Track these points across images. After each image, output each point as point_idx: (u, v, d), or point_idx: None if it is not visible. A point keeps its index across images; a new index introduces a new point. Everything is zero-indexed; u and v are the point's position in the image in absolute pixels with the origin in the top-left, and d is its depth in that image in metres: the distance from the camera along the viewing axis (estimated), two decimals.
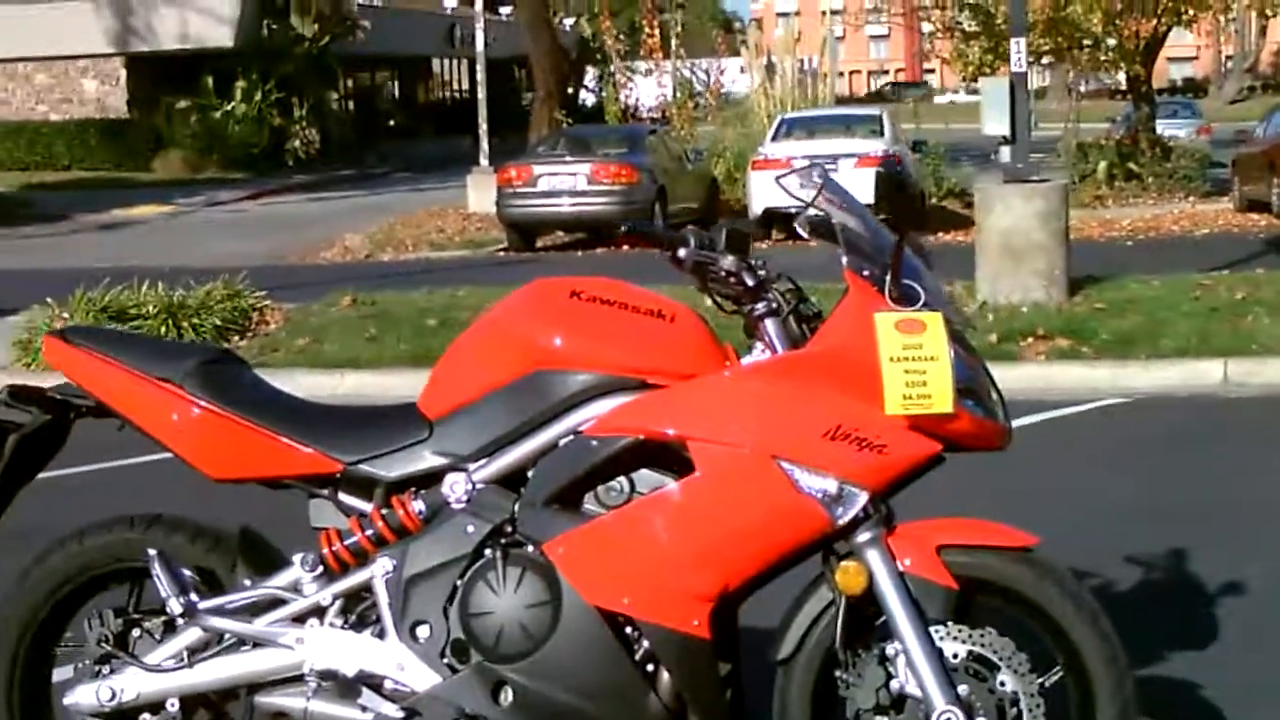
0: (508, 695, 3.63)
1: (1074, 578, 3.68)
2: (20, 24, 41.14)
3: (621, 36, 34.53)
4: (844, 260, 3.64)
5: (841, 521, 3.54)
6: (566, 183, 22.86)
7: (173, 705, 3.87)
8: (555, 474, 3.64)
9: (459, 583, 3.67)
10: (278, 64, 41.83)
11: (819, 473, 3.50)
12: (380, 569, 3.73)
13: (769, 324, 3.69)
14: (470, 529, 3.68)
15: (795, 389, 3.56)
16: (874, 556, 3.59)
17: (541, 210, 22.76)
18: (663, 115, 31.14)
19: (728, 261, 3.67)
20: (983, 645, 3.61)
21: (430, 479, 3.74)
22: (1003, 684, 3.59)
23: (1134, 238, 20.26)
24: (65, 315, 11.91)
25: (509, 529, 3.66)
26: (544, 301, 3.76)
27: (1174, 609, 5.86)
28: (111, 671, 3.88)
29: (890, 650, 3.61)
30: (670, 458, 3.59)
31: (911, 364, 3.51)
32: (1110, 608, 5.75)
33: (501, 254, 22.62)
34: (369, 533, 3.76)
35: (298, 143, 42.49)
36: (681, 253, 3.69)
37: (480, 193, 27.09)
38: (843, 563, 3.59)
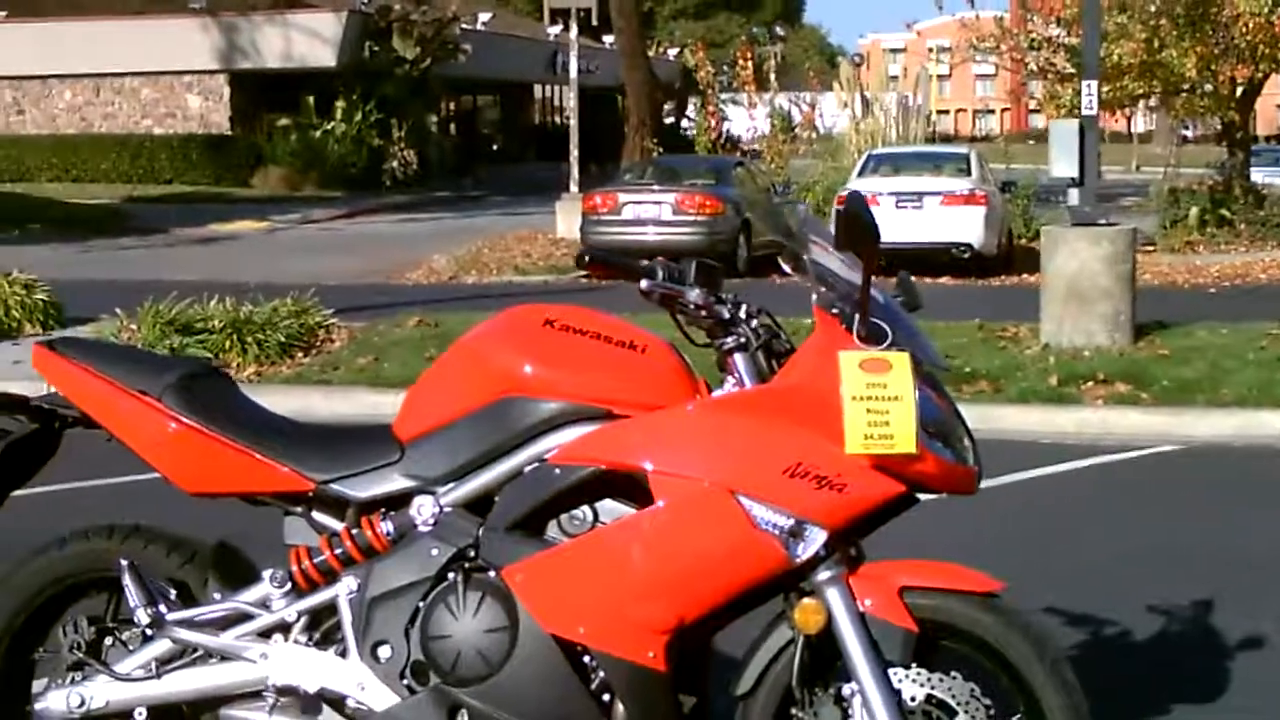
0: (464, 719, 3.63)
1: (1039, 625, 3.63)
2: (129, 39, 41.91)
3: (725, 68, 34.58)
4: (813, 297, 3.63)
5: (799, 559, 3.52)
6: (651, 212, 22.88)
7: (140, 715, 3.91)
8: (518, 501, 3.65)
9: (421, 605, 3.68)
10: (378, 85, 42.29)
11: (777, 509, 3.49)
12: (345, 588, 3.75)
13: (737, 358, 3.69)
14: (434, 552, 3.69)
15: (757, 424, 3.55)
16: (833, 595, 3.56)
17: (624, 238, 22.75)
18: (750, 148, 31.16)
19: (694, 295, 3.67)
20: (941, 689, 3.57)
21: (400, 501, 3.76)
22: None
23: (1219, 285, 20.01)
24: (133, 327, 12.08)
25: (472, 553, 3.67)
26: (516, 328, 3.78)
27: (1196, 658, 5.79)
28: (83, 679, 3.93)
29: (847, 690, 3.58)
30: (634, 488, 3.59)
31: (875, 403, 3.49)
32: (1119, 653, 5.78)
33: (584, 280, 22.66)
34: (337, 552, 3.79)
35: (395, 163, 42.88)
36: (644, 284, 3.70)
37: (568, 218, 27.16)
38: (802, 600, 3.58)
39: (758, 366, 3.68)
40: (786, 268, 3.84)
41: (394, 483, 3.76)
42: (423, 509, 3.72)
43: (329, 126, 42.04)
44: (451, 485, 3.72)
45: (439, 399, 3.79)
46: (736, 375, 3.69)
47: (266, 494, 3.89)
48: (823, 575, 3.57)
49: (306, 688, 3.75)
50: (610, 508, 3.65)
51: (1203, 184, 26.84)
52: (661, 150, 31.20)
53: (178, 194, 38.64)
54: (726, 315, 3.69)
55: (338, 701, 3.74)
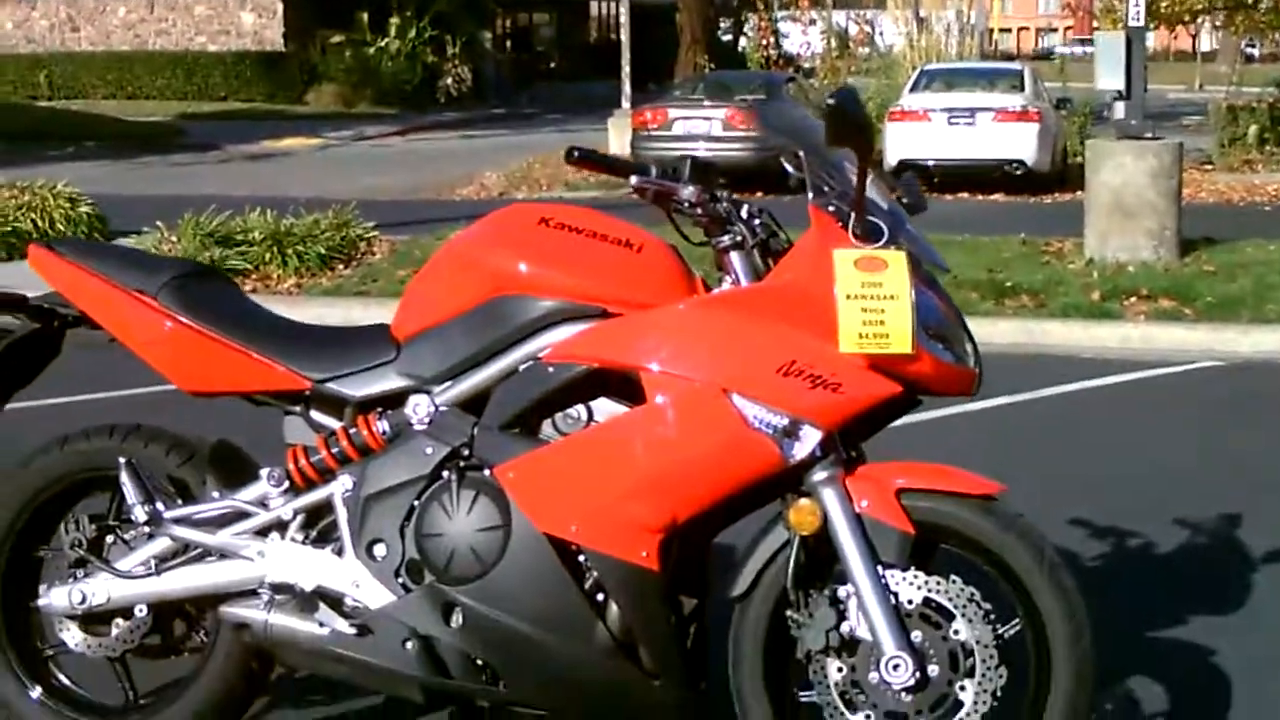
0: (458, 617, 3.62)
1: (1037, 530, 3.58)
2: None
3: None
4: (809, 195, 3.57)
5: (794, 459, 3.48)
6: (701, 127, 22.71)
7: (141, 611, 3.93)
8: (512, 399, 3.63)
9: (416, 503, 3.67)
10: (433, 1, 42.08)
11: (770, 408, 3.44)
12: (340, 486, 3.74)
13: (734, 256, 3.64)
14: (429, 450, 3.67)
15: (750, 323, 3.50)
16: (829, 496, 3.52)
17: (674, 153, 22.62)
18: (805, 66, 30.90)
19: (687, 192, 3.62)
20: (938, 592, 3.53)
21: (396, 400, 3.74)
22: (957, 633, 3.52)
23: (1276, 203, 19.74)
24: (174, 239, 12.10)
25: (466, 452, 3.65)
26: (510, 227, 3.74)
27: (1218, 572, 5.74)
28: (85, 576, 3.94)
29: (842, 592, 3.55)
30: (629, 387, 3.55)
31: (870, 302, 3.44)
32: (1140, 564, 5.73)
33: (634, 196, 22.55)
34: (334, 450, 3.77)
35: (449, 80, 42.75)
36: (634, 180, 3.65)
37: (620, 135, 26.98)
38: (798, 501, 3.54)
39: (754, 265, 3.63)
40: (789, 168, 3.77)
41: (390, 381, 3.75)
42: (418, 408, 3.70)
43: (383, 43, 41.92)
44: (447, 384, 3.70)
45: (434, 298, 3.76)
46: (733, 274, 3.64)
47: (264, 393, 3.88)
48: (818, 476, 3.53)
49: (303, 585, 3.75)
50: (605, 407, 3.62)
51: (1262, 102, 26.42)
52: (713, 67, 30.97)
53: (231, 111, 38.66)
54: (721, 213, 3.64)
55: (334, 599, 3.73)
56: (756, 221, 3.68)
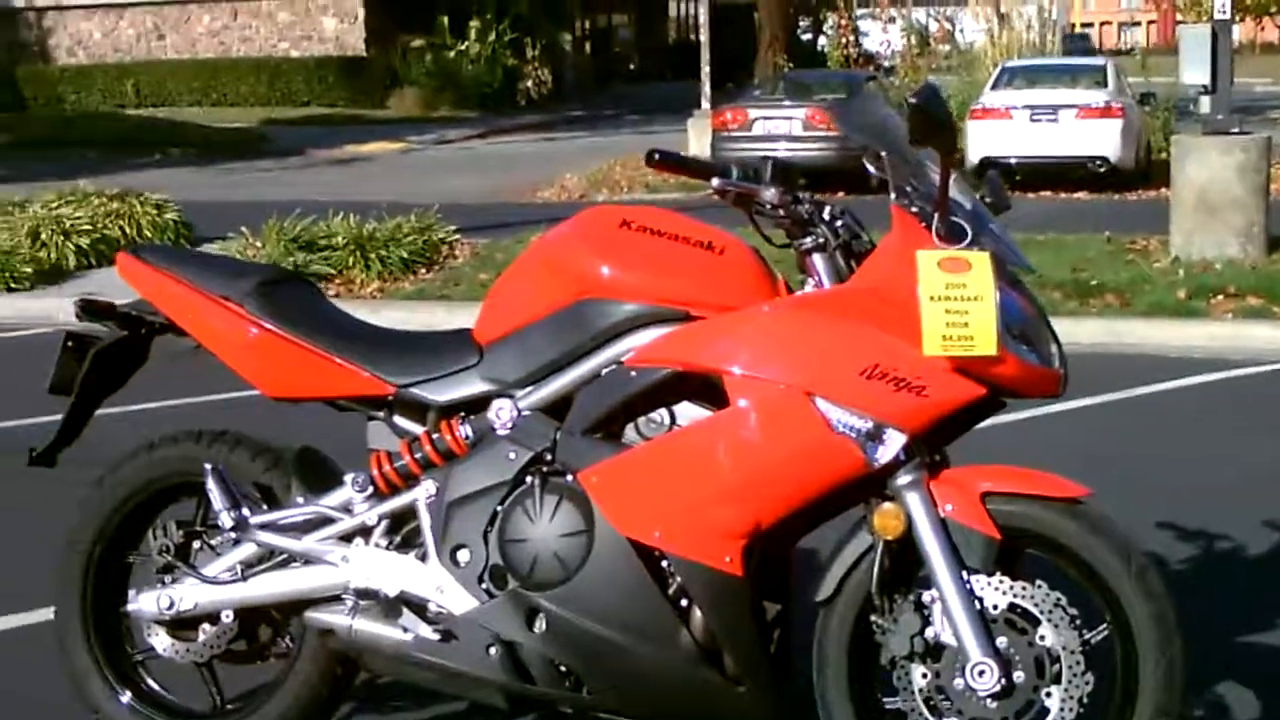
0: (541, 623, 3.62)
1: (1124, 532, 3.54)
2: None
3: None
4: (892, 196, 3.54)
5: (878, 463, 3.45)
6: (781, 127, 22.65)
7: (228, 617, 3.96)
8: (594, 404, 3.62)
9: (499, 509, 3.67)
10: (512, 4, 42.22)
11: (854, 411, 3.42)
12: (424, 492, 3.75)
13: (816, 258, 3.62)
14: (512, 455, 3.67)
15: (833, 325, 3.48)
16: (913, 500, 3.50)
17: (754, 154, 22.55)
18: (885, 64, 30.77)
19: (769, 194, 3.60)
20: (1024, 598, 3.50)
21: (480, 405, 3.75)
22: (1043, 638, 3.48)
23: None
24: (258, 244, 12.19)
25: (549, 457, 3.65)
26: (593, 230, 3.73)
27: None
28: (172, 581, 3.98)
29: (927, 597, 3.52)
30: (711, 391, 3.54)
31: (953, 304, 3.41)
32: (1226, 569, 5.65)
33: (715, 198, 22.51)
34: (417, 455, 3.78)
35: (529, 83, 42.87)
36: (715, 182, 3.64)
37: (699, 135, 26.93)
38: (882, 505, 3.52)
39: (836, 267, 3.61)
40: (871, 168, 3.74)
41: (473, 386, 3.75)
42: (501, 412, 3.70)
43: (463, 46, 42.06)
44: (530, 389, 3.70)
45: (517, 302, 3.76)
46: (815, 276, 3.62)
47: (348, 399, 3.90)
48: (902, 480, 3.50)
49: (387, 591, 3.76)
50: (688, 411, 3.61)
51: None
52: (792, 66, 30.91)
53: (314, 116, 38.88)
54: (804, 215, 3.62)
55: (418, 605, 3.74)
56: (839, 223, 3.65)
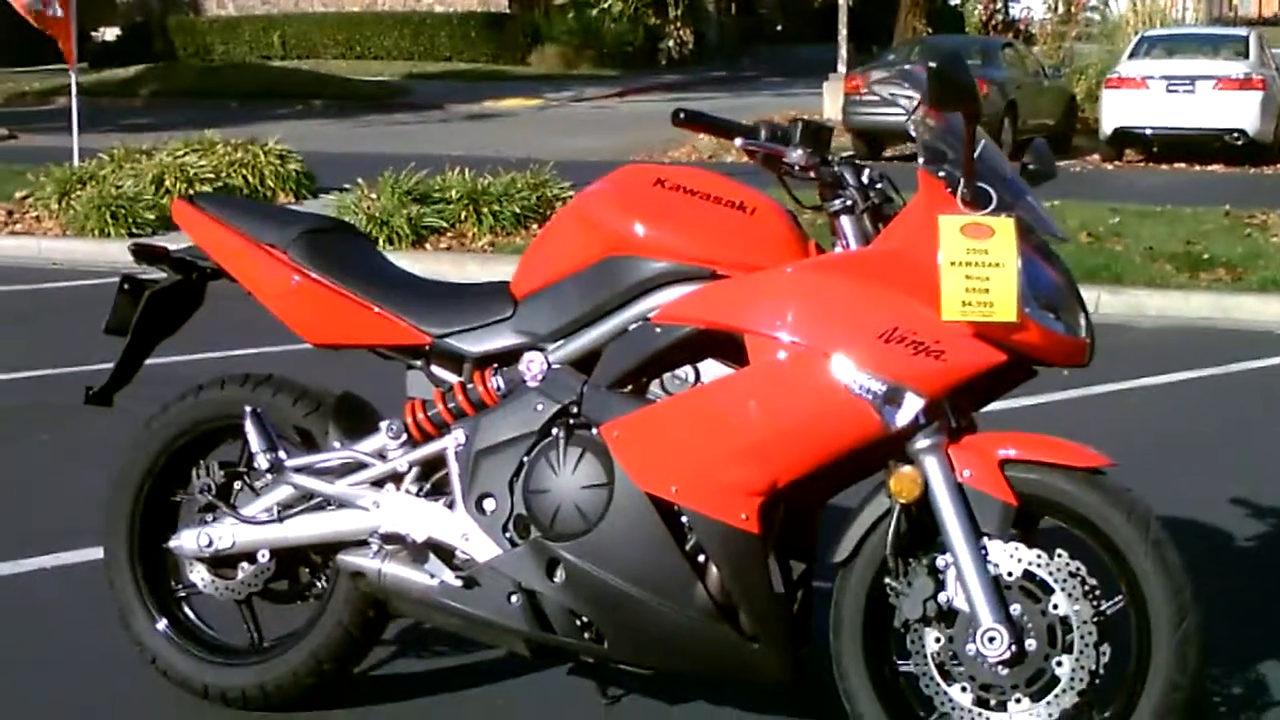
0: (561, 573, 3.67)
1: (1144, 504, 3.51)
2: None
3: None
4: (919, 160, 3.54)
5: (895, 426, 3.44)
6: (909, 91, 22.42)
7: (264, 556, 4.05)
8: (619, 359, 3.66)
9: (525, 459, 3.72)
10: None
11: (871, 374, 3.42)
12: (453, 441, 3.80)
13: (844, 221, 3.63)
14: (539, 407, 3.72)
15: (854, 287, 3.48)
16: (931, 464, 3.50)
17: (885, 119, 22.25)
18: (1027, 30, 30.37)
19: (795, 155, 3.60)
20: (1039, 566, 3.49)
21: (513, 357, 3.79)
22: (1056, 607, 3.47)
23: None
24: (373, 196, 12.32)
25: (575, 410, 3.69)
26: (626, 188, 3.76)
27: None
28: (212, 520, 4.07)
29: (941, 562, 3.52)
30: (736, 349, 3.56)
31: (975, 269, 3.39)
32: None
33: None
34: (450, 405, 3.84)
35: (671, 43, 42.84)
36: (739, 142, 3.65)
37: (835, 99, 26.75)
38: (900, 468, 3.52)
39: (863, 230, 3.61)
40: (913, 132, 3.73)
41: (506, 338, 3.80)
42: (532, 365, 3.75)
43: (606, 5, 42.08)
44: (560, 342, 3.74)
45: (551, 257, 3.80)
46: (843, 238, 3.63)
47: (386, 346, 3.96)
48: (921, 444, 3.50)
49: (415, 537, 3.82)
50: (713, 369, 3.63)
51: None
52: (930, 31, 30.60)
53: (456, 71, 39.15)
54: (831, 177, 3.62)
55: (445, 551, 3.80)
56: (877, 186, 3.65)
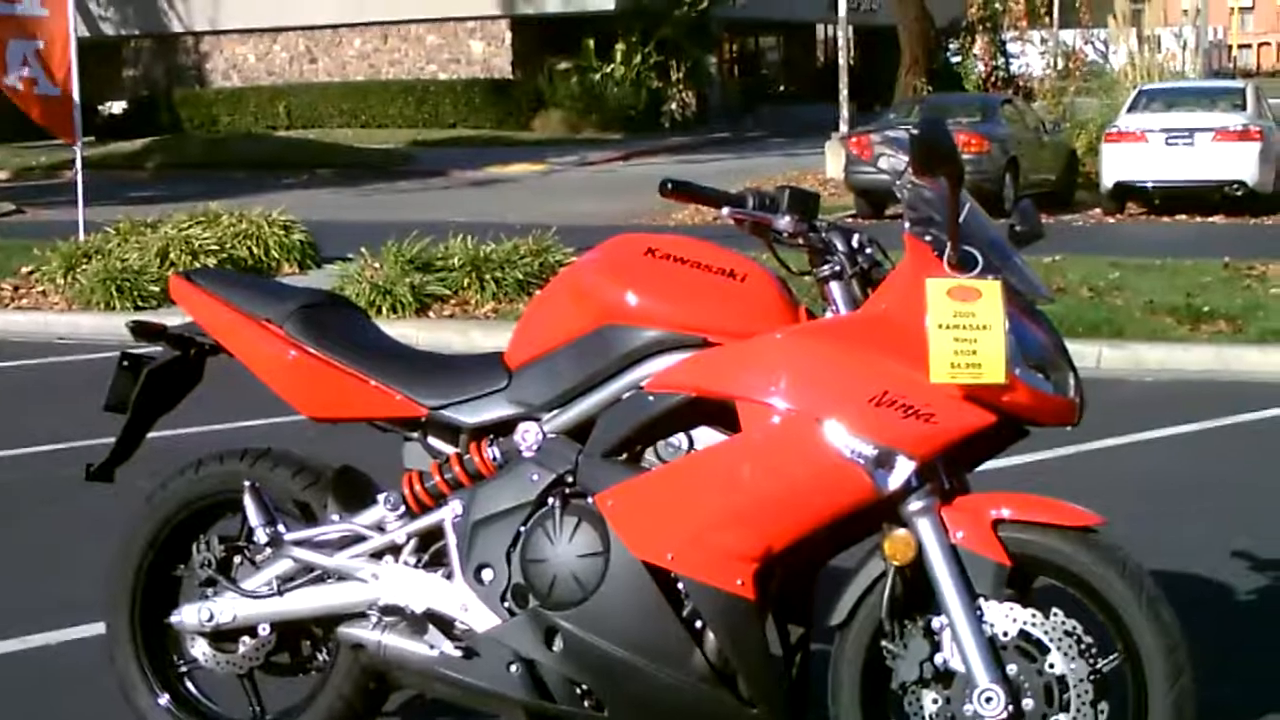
0: (559, 642, 3.69)
1: (1137, 562, 3.53)
2: None
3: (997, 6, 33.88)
4: (905, 224, 3.58)
5: (888, 489, 3.47)
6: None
7: (265, 630, 4.07)
8: (613, 427, 3.69)
9: (522, 529, 3.74)
10: (657, 27, 42.43)
11: (862, 438, 3.45)
12: (451, 512, 3.83)
13: (833, 286, 3.66)
14: (535, 477, 3.75)
15: (843, 352, 3.51)
16: (924, 526, 3.52)
17: (887, 179, 22.48)
18: (1027, 86, 30.53)
19: (783, 222, 3.64)
20: (1034, 625, 3.50)
21: (508, 427, 3.82)
22: (1052, 666, 3.48)
23: None
24: (376, 265, 12.39)
25: (571, 479, 3.72)
26: (617, 257, 3.80)
27: None
28: (213, 594, 4.09)
29: (937, 623, 3.54)
30: (729, 416, 3.58)
31: (962, 331, 3.42)
32: None
33: (849, 220, 22.51)
34: (446, 476, 3.87)
35: (674, 105, 43.07)
36: (726, 211, 3.68)
37: (837, 159, 26.91)
38: (893, 531, 3.54)
39: (852, 294, 3.64)
40: (899, 195, 3.78)
41: (501, 409, 3.82)
42: (527, 435, 3.77)
43: (608, 69, 42.39)
44: (555, 412, 3.77)
45: (544, 327, 3.83)
46: (833, 304, 3.66)
47: (382, 419, 3.99)
48: (913, 506, 3.52)
49: (414, 608, 3.84)
50: (707, 436, 3.65)
51: None
52: (931, 89, 30.75)
53: (460, 138, 39.37)
54: (819, 243, 3.66)
55: (444, 622, 3.82)
56: (865, 251, 3.69)
